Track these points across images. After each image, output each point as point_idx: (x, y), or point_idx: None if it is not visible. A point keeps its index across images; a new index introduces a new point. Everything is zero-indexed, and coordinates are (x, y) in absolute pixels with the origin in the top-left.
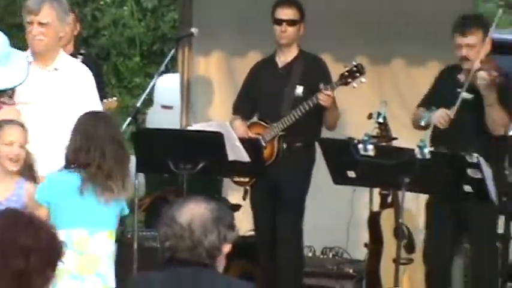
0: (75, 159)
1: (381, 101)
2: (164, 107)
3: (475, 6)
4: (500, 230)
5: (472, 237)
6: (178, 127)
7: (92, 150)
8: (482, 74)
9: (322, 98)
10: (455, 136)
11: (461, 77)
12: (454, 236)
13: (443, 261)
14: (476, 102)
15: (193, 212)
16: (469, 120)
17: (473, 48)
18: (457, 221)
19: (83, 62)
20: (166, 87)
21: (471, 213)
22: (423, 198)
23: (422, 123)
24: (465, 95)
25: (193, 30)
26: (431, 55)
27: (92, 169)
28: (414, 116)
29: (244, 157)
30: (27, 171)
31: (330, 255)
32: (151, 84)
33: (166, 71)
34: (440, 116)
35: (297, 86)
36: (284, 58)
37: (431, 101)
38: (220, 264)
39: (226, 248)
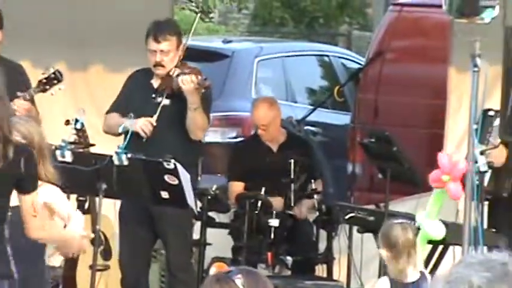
0: None
1: (78, 108)
2: None
3: (171, 13)
4: (196, 235)
5: (168, 242)
6: None
7: None
8: (186, 78)
9: (17, 105)
10: (153, 142)
11: (154, 82)
12: (150, 242)
13: (138, 267)
14: (173, 108)
15: None
16: (169, 125)
17: (168, 54)
18: (153, 226)
19: None
20: None
21: (167, 218)
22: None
23: (120, 130)
24: (164, 101)
25: None
26: (129, 62)
27: None
28: (108, 123)
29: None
30: None
31: None
32: None
33: None
34: (144, 125)
35: None
36: None
37: (122, 106)
38: None
39: None
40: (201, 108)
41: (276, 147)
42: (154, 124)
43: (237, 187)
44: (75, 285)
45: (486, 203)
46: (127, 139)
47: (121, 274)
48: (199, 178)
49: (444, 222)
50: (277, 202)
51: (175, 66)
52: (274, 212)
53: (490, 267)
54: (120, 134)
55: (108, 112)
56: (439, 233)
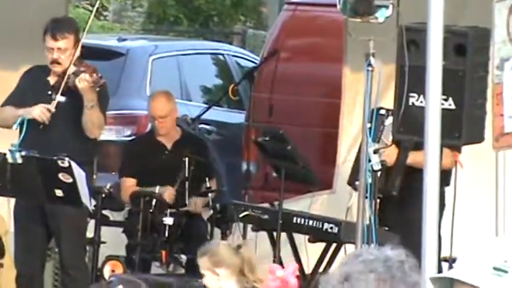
0: None
1: None
2: None
3: (67, 10)
4: (90, 234)
5: (62, 240)
6: None
7: None
8: (82, 76)
9: None
10: (49, 140)
11: (51, 79)
12: (44, 239)
13: (33, 264)
14: (69, 105)
15: None
16: (64, 123)
17: (65, 52)
18: (47, 223)
19: None
20: None
21: (61, 216)
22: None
23: (15, 127)
24: (60, 98)
25: None
26: (25, 59)
27: None
28: (2, 114)
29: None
30: None
31: None
32: None
33: None
34: (41, 111)
35: None
36: None
37: (17, 99)
38: None
39: None
40: (97, 106)
41: (170, 145)
42: (53, 111)
43: (129, 183)
44: None
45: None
46: (22, 136)
47: (16, 271)
48: (94, 176)
49: (337, 220)
50: (168, 193)
51: (72, 64)
52: (169, 210)
53: (388, 266)
54: (11, 127)
55: (2, 105)
56: None
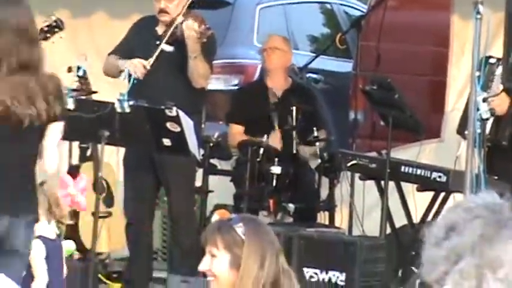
0: None
1: (80, 55)
2: None
3: None
4: (198, 183)
5: (170, 189)
6: None
7: None
8: (189, 26)
9: None
10: (156, 89)
11: (159, 29)
12: (153, 189)
13: (142, 214)
14: (177, 55)
15: None
16: (172, 73)
17: (172, 1)
18: (156, 173)
19: None
20: None
21: (170, 165)
22: (123, 151)
23: (122, 77)
24: (165, 46)
25: None
26: (133, 8)
27: None
28: (107, 63)
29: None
30: None
31: None
32: None
33: None
34: (135, 65)
35: None
36: None
37: (124, 50)
38: None
39: None
40: (201, 57)
41: (280, 93)
42: (148, 67)
43: (236, 129)
44: (77, 232)
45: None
46: (129, 85)
47: (126, 220)
48: (202, 125)
49: (445, 169)
50: (274, 138)
51: (180, 14)
52: (276, 159)
53: (493, 210)
54: (117, 77)
55: (109, 54)
56: None
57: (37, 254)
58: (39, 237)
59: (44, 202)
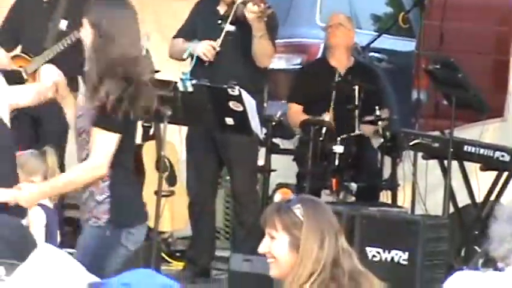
0: None
1: (143, 34)
2: None
3: None
4: (261, 161)
5: (233, 168)
6: None
7: None
8: (250, 6)
9: None
10: (219, 68)
11: (220, 8)
12: (216, 168)
13: (205, 193)
14: (239, 34)
15: None
16: (233, 52)
17: None
18: (219, 153)
19: None
20: None
21: (232, 145)
22: (186, 130)
23: (185, 56)
24: (228, 27)
25: None
26: None
27: None
28: (172, 47)
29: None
30: None
31: None
32: None
33: None
34: (205, 48)
35: (61, 20)
36: None
37: (188, 31)
38: None
39: None
40: (267, 36)
41: (343, 71)
42: (218, 49)
43: (295, 108)
44: None
45: None
46: (192, 65)
47: (188, 199)
48: (265, 104)
49: (508, 149)
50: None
51: None
52: (339, 138)
53: None
54: (184, 60)
55: (174, 37)
56: None
57: (38, 221)
58: (40, 205)
59: (42, 169)
